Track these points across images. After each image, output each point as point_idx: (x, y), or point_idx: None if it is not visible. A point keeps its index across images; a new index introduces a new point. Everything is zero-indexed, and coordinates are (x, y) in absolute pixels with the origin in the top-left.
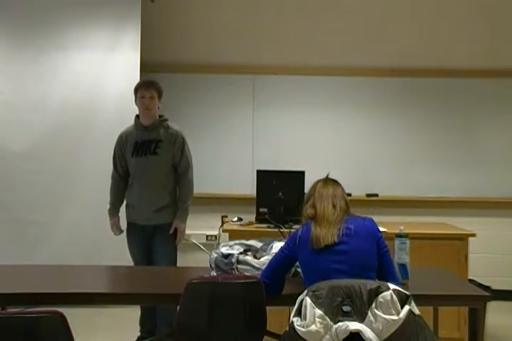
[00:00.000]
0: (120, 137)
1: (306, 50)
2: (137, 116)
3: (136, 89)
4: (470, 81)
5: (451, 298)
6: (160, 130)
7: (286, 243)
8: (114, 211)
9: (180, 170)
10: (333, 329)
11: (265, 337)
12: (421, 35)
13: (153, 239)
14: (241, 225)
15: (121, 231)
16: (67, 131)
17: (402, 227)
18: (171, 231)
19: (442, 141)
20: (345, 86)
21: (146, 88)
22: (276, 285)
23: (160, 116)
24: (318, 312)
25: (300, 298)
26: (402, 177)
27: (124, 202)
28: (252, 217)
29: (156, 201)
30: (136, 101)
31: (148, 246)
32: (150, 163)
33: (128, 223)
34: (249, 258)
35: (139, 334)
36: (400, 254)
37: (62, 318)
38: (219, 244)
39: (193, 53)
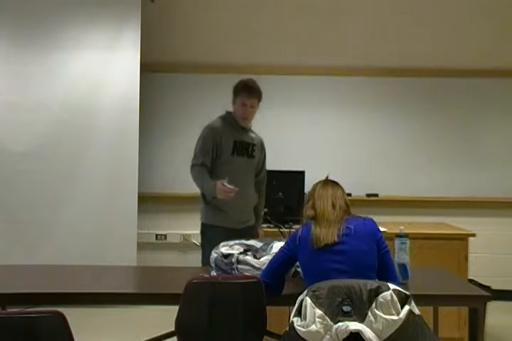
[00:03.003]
0: (212, 129)
1: (306, 50)
2: (229, 113)
3: (238, 92)
4: (470, 81)
5: (451, 298)
6: (251, 134)
7: (286, 243)
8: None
9: (261, 177)
10: (333, 329)
11: (265, 337)
12: (421, 35)
13: None
14: None
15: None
16: (67, 130)
17: (402, 227)
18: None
19: (442, 140)
20: (345, 86)
21: (249, 96)
22: (276, 285)
23: None
24: (318, 312)
25: (300, 298)
26: (402, 177)
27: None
28: None
29: (253, 203)
30: (233, 100)
31: None
32: (249, 165)
33: (214, 227)
34: (249, 258)
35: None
36: (400, 254)
37: (62, 318)
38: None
39: (193, 53)
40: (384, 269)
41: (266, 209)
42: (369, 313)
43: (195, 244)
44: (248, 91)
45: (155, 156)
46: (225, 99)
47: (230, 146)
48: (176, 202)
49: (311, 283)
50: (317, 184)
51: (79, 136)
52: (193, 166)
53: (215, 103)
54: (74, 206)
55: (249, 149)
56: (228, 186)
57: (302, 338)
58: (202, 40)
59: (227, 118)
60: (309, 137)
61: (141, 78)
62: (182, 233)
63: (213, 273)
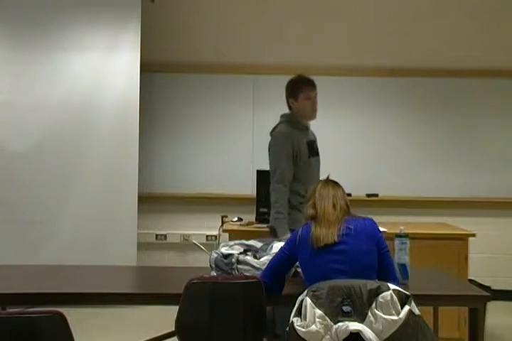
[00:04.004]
0: (287, 136)
1: (306, 50)
2: (288, 115)
3: (298, 88)
4: (470, 81)
5: (451, 298)
6: (310, 131)
7: (286, 243)
8: (285, 221)
9: None
10: (333, 329)
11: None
12: (420, 35)
13: None
14: (241, 225)
15: None
16: (68, 131)
17: (402, 227)
18: None
19: (442, 141)
20: (345, 86)
21: (313, 87)
22: (276, 285)
23: None
24: (319, 312)
25: (300, 298)
26: (402, 177)
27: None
28: (252, 217)
29: None
30: (294, 98)
31: None
32: (318, 162)
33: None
34: (249, 258)
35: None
36: (400, 254)
37: (62, 318)
38: (219, 244)
39: (193, 53)
40: (384, 269)
41: (266, 209)
42: (369, 313)
43: (195, 244)
44: (310, 84)
45: (155, 156)
46: (225, 99)
47: (305, 150)
48: (176, 202)
49: (311, 283)
50: (318, 184)
51: (79, 136)
52: (278, 183)
53: (216, 103)
54: (74, 206)
55: (315, 147)
56: None
57: (302, 338)
58: (202, 40)
59: (291, 121)
60: None
61: (141, 78)
62: (182, 233)
63: (213, 273)
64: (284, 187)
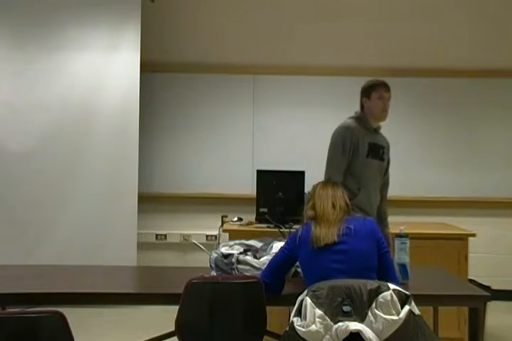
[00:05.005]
0: (349, 129)
1: (306, 50)
2: (359, 113)
3: (373, 88)
4: (470, 81)
5: (451, 298)
6: (381, 136)
7: (286, 243)
8: None
9: (385, 179)
10: (333, 329)
11: (265, 337)
12: (420, 35)
13: None
14: (241, 225)
15: None
16: (67, 130)
17: (402, 227)
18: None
19: (442, 141)
20: (345, 86)
21: (388, 89)
22: (277, 285)
23: None
24: (318, 312)
25: (300, 298)
26: (402, 177)
27: None
28: (252, 217)
29: (376, 207)
30: (367, 97)
31: None
32: (380, 168)
33: None
34: (249, 258)
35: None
36: (400, 254)
37: (62, 318)
38: (219, 244)
39: (193, 53)
40: (384, 269)
41: (266, 209)
42: (369, 313)
43: (195, 244)
44: (385, 86)
45: (155, 156)
46: (225, 99)
47: (365, 148)
48: (175, 202)
49: (311, 283)
50: (317, 184)
51: (79, 136)
52: (334, 174)
53: (216, 103)
54: (74, 206)
55: (380, 152)
56: None
57: (302, 338)
58: (202, 39)
59: (360, 119)
60: (309, 137)
61: (141, 78)
62: (182, 233)
63: (213, 273)
64: (339, 179)
